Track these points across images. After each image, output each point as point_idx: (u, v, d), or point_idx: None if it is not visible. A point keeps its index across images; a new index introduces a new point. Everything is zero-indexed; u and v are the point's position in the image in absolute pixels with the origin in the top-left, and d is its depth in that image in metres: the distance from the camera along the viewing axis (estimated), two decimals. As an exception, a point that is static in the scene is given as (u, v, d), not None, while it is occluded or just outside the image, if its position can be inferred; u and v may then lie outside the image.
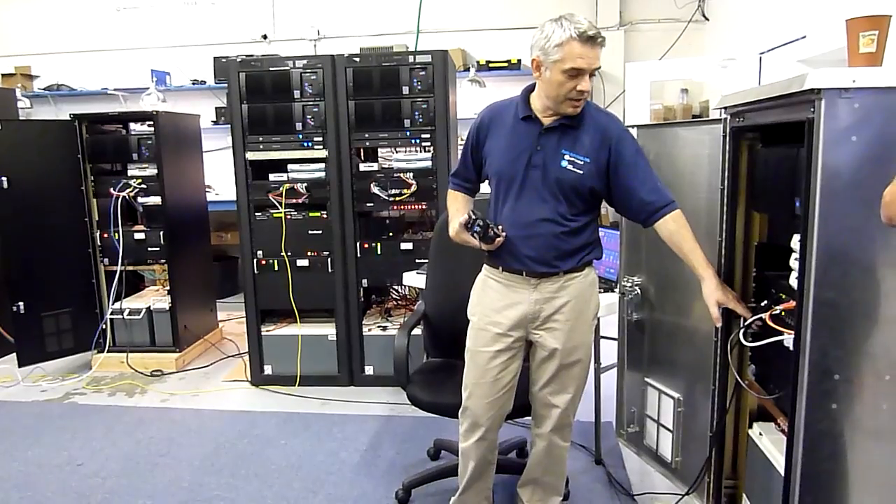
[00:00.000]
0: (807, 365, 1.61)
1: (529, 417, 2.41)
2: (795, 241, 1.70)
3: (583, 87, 1.99)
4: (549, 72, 2.01)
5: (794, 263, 1.73)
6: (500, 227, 2.12)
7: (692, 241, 2.09)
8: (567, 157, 2.08)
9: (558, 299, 2.17)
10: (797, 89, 1.55)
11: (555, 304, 2.17)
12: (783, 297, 1.83)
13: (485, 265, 2.29)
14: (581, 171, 2.08)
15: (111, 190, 4.29)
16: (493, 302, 2.22)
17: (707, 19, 5.92)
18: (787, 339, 1.74)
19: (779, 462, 1.83)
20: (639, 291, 2.68)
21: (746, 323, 1.95)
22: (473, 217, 2.08)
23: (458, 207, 2.28)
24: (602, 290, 2.99)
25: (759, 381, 2.06)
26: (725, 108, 2.11)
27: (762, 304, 1.93)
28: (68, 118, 4.34)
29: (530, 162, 2.11)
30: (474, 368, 2.25)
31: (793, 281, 1.73)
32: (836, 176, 1.52)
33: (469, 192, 2.37)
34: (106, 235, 4.38)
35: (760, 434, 2.03)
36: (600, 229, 3.12)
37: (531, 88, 2.17)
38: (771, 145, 2.00)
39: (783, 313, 1.81)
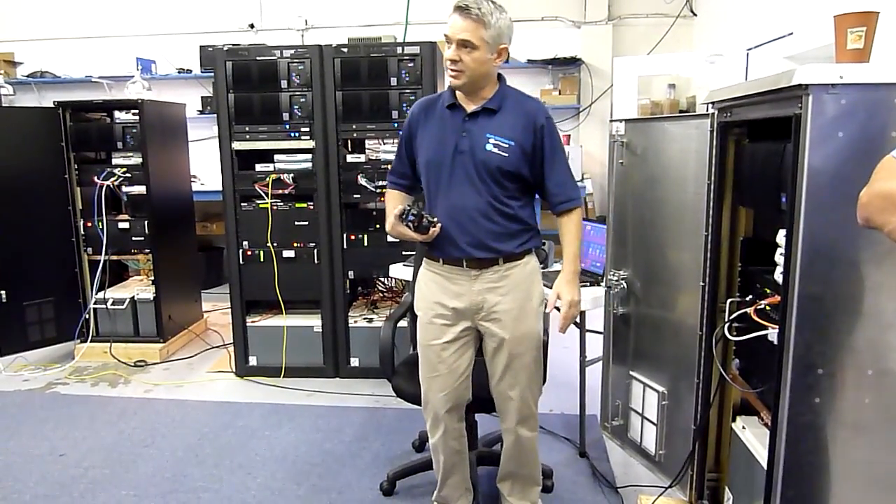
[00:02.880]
0: (791, 359, 1.62)
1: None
2: (781, 236, 1.71)
3: (448, 55, 2.06)
4: None
5: (779, 258, 1.74)
6: (434, 218, 2.14)
7: (572, 238, 2.24)
8: (491, 140, 2.12)
9: (500, 289, 2.19)
10: (785, 85, 1.55)
11: (497, 294, 2.19)
12: (768, 291, 1.85)
13: (425, 259, 2.31)
14: (506, 154, 2.12)
15: (95, 179, 4.24)
16: (436, 295, 2.25)
17: (695, 15, 5.94)
18: (772, 333, 1.75)
19: (761, 455, 1.85)
20: (625, 285, 2.69)
21: (731, 317, 1.96)
22: (407, 208, 2.10)
23: (395, 204, 2.27)
24: (588, 284, 3.01)
25: (743, 376, 2.08)
26: (713, 102, 2.11)
27: (747, 298, 1.94)
28: (52, 106, 4.29)
29: (457, 148, 2.15)
30: (427, 362, 2.29)
31: (778, 276, 1.74)
32: (823, 171, 1.53)
33: (406, 190, 2.39)
34: (90, 224, 4.33)
35: (744, 428, 2.05)
36: (586, 223, 3.14)
37: None
38: (758, 140, 2.00)
39: (768, 308, 1.82)
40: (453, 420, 2.32)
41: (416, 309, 2.33)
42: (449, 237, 2.16)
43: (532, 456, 2.42)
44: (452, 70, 2.08)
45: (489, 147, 2.12)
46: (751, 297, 1.93)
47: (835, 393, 1.63)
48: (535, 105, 2.22)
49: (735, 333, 1.98)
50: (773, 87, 1.64)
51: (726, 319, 1.99)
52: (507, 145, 2.12)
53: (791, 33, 3.86)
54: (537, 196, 2.29)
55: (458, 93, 2.18)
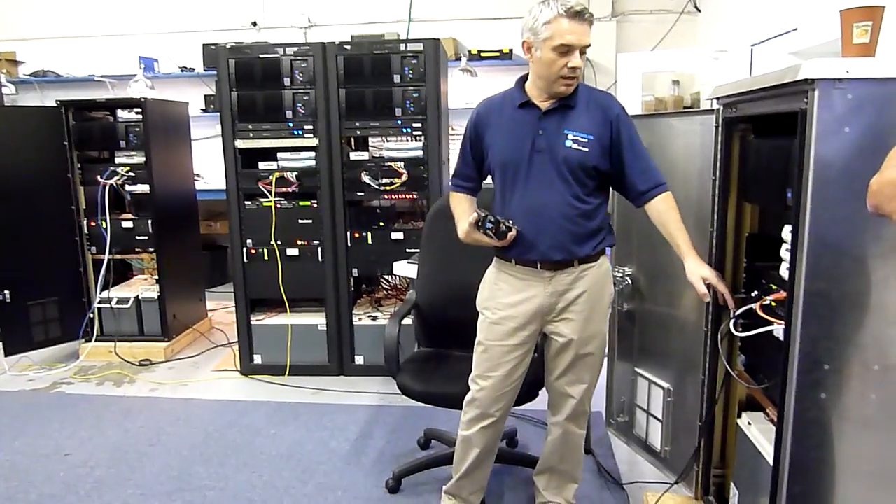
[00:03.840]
0: (796, 355, 1.61)
1: (521, 407, 2.42)
2: (786, 232, 1.70)
3: (574, 63, 2.00)
4: (540, 51, 2.02)
5: (784, 254, 1.74)
6: (510, 221, 2.11)
7: (677, 223, 2.11)
8: (571, 136, 2.08)
9: (574, 291, 2.16)
10: (791, 79, 1.55)
11: (571, 296, 2.17)
12: (773, 287, 1.84)
13: (496, 258, 2.27)
14: (586, 149, 2.08)
15: (98, 178, 4.25)
16: (507, 296, 2.21)
17: (699, 11, 5.92)
18: (777, 329, 1.74)
19: (767, 451, 1.84)
20: (630, 282, 2.69)
21: (737, 313, 1.96)
22: (483, 214, 2.07)
23: (463, 209, 2.25)
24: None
25: (749, 371, 2.07)
26: (718, 98, 2.11)
27: (752, 294, 1.93)
28: (54, 105, 4.29)
29: (534, 146, 2.10)
30: (487, 361, 2.23)
31: (783, 271, 1.73)
32: (829, 166, 1.53)
33: (471, 192, 2.35)
34: (93, 224, 4.34)
35: (749, 423, 2.04)
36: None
37: (525, 77, 2.18)
38: (763, 136, 2.00)
39: (773, 304, 1.81)
40: (501, 419, 2.30)
41: (480, 307, 2.28)
42: (526, 239, 2.12)
43: (577, 453, 2.41)
44: (572, 77, 2.04)
45: (569, 143, 2.08)
46: (756, 292, 1.93)
47: (841, 389, 1.62)
48: (607, 98, 2.19)
49: (740, 329, 1.98)
50: (778, 82, 1.64)
51: (732, 315, 1.98)
52: (586, 140, 2.08)
53: (795, 29, 3.85)
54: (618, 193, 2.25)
55: (529, 91, 2.14)
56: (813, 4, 3.65)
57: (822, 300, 1.59)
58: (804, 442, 1.66)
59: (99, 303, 4.38)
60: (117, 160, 4.34)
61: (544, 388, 2.38)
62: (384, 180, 3.76)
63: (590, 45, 2.02)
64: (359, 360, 3.98)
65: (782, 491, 1.69)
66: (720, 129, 2.11)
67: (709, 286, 2.02)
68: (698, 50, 5.45)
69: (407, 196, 3.83)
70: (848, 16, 1.63)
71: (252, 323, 4.01)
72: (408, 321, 2.85)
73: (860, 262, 1.58)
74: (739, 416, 2.15)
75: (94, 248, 4.39)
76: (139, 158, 4.30)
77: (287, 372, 3.98)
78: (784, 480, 1.68)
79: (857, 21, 1.61)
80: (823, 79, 1.49)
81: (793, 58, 3.89)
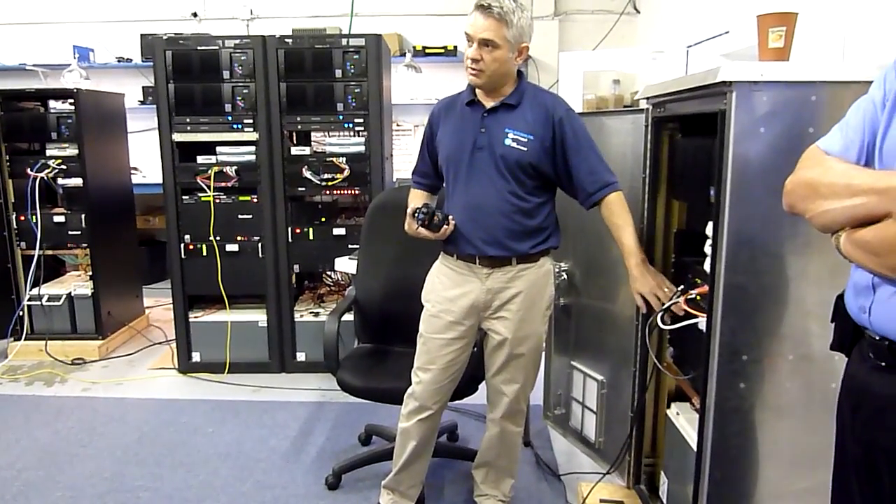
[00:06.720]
0: (717, 346, 1.68)
1: (462, 400, 2.45)
2: (710, 228, 1.77)
3: (470, 54, 2.07)
4: None
5: (708, 250, 1.80)
6: (449, 216, 2.14)
7: (622, 227, 2.13)
8: (511, 135, 2.12)
9: (510, 289, 2.19)
10: (711, 81, 1.61)
11: (506, 295, 2.20)
12: (698, 281, 1.91)
13: (441, 252, 2.31)
14: (525, 149, 2.11)
15: (28, 170, 4.09)
16: (446, 289, 2.24)
17: (638, 12, 6.05)
18: (701, 322, 1.81)
19: (693, 440, 1.91)
20: (566, 277, 2.74)
21: (659, 310, 2.02)
22: (419, 207, 2.12)
23: (415, 204, 2.27)
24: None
25: (677, 363, 2.14)
26: (648, 98, 2.17)
27: (679, 288, 2.00)
28: (-19, 94, 4.12)
29: (476, 144, 2.15)
30: (426, 354, 2.26)
31: (707, 266, 1.80)
32: (746, 165, 1.59)
33: (429, 189, 2.38)
34: (23, 218, 4.18)
35: (677, 413, 2.11)
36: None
37: None
38: (689, 135, 2.06)
39: (698, 297, 1.88)
40: (438, 412, 2.32)
41: (423, 300, 2.31)
42: (465, 234, 2.16)
43: (513, 450, 2.45)
44: (473, 69, 2.07)
45: (508, 142, 2.11)
46: (683, 286, 1.99)
47: (759, 378, 1.69)
48: (552, 99, 2.20)
49: (669, 322, 2.04)
50: (700, 83, 1.70)
51: (659, 309, 2.04)
52: (525, 139, 2.11)
53: (727, 32, 3.97)
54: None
55: (477, 90, 2.18)
56: (744, 8, 3.78)
57: (740, 293, 1.66)
58: (725, 430, 1.73)
59: (29, 300, 4.23)
60: (48, 152, 4.18)
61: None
62: (326, 175, 3.74)
63: (490, 41, 2.02)
64: (300, 356, 3.94)
65: (704, 477, 1.76)
66: (649, 128, 2.17)
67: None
68: (637, 50, 5.58)
69: (349, 191, 3.81)
70: (764, 21, 1.71)
71: (190, 320, 3.92)
72: (348, 317, 2.84)
73: (776, 257, 1.65)
74: (669, 406, 2.22)
75: (23, 244, 4.23)
76: (72, 151, 4.15)
77: (227, 370, 3.92)
78: (706, 467, 1.75)
79: (772, 26, 1.68)
80: (740, 81, 1.55)
81: (724, 59, 4.02)
